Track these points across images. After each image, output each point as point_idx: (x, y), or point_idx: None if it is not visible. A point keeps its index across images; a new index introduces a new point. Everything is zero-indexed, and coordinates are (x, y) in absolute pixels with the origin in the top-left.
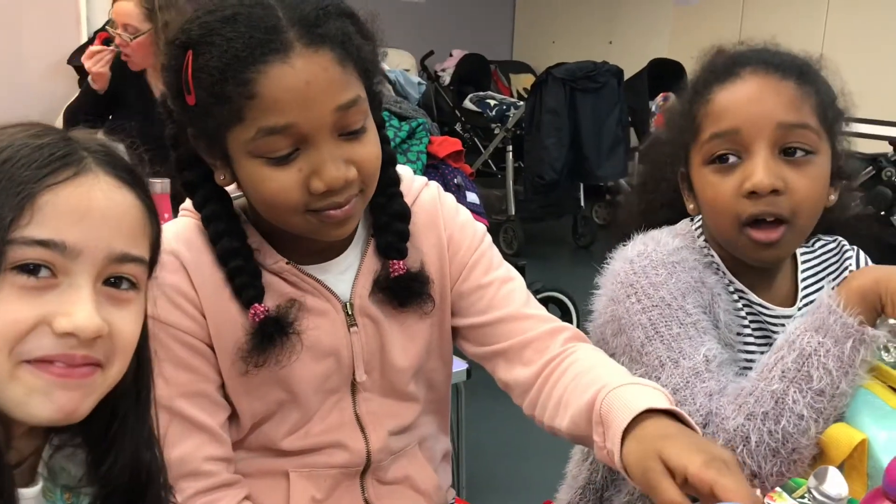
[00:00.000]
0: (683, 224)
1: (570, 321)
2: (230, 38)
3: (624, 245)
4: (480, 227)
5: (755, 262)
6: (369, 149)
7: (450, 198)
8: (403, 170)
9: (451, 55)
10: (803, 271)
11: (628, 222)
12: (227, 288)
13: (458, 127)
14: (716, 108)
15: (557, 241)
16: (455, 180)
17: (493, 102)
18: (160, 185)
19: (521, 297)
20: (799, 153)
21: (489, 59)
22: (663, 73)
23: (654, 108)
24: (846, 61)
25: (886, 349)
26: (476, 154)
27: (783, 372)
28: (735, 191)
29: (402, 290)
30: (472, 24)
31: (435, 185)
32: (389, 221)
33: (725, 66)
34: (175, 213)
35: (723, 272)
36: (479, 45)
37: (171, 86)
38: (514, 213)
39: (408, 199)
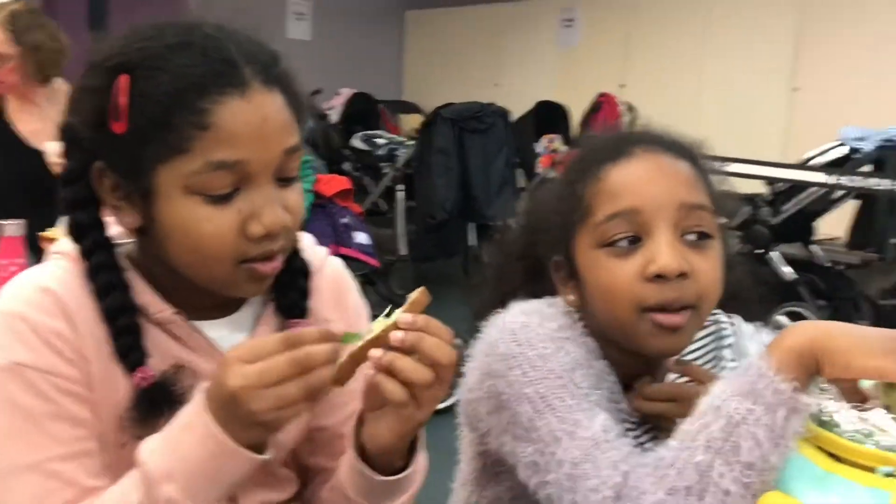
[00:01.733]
0: (561, 303)
1: (463, 364)
2: (183, 65)
3: (497, 314)
4: (364, 310)
5: (654, 351)
6: (298, 198)
7: (349, 277)
8: (316, 251)
9: (338, 94)
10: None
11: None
12: (107, 345)
13: (346, 166)
14: (610, 187)
15: (449, 280)
16: (343, 220)
17: (382, 141)
18: (13, 228)
19: None
20: (701, 236)
21: (377, 98)
22: (549, 115)
23: (540, 150)
24: (723, 105)
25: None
26: (365, 194)
27: (708, 442)
28: (636, 275)
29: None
30: (360, 63)
31: (339, 261)
32: (292, 278)
33: (614, 145)
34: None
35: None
36: (368, 84)
37: (89, 111)
38: (404, 252)
39: (312, 262)
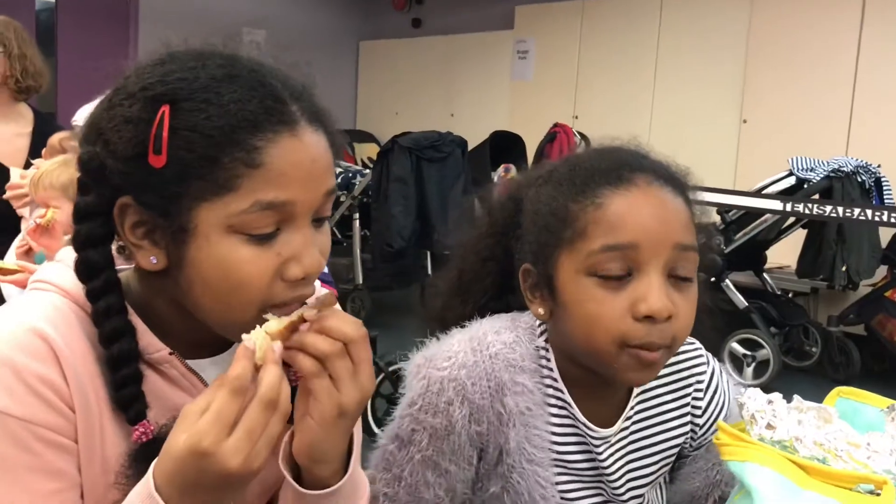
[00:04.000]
0: (528, 316)
1: None
2: (233, 99)
3: (438, 338)
4: None
5: (626, 382)
6: (328, 240)
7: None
8: None
9: None
10: (639, 390)
11: (447, 321)
12: (104, 390)
13: None
14: (610, 216)
15: (406, 310)
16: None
17: (338, 170)
18: None
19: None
20: (686, 278)
21: None
22: (504, 145)
23: (496, 179)
24: (674, 137)
25: (753, 420)
26: None
27: None
28: (624, 312)
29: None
30: (315, 92)
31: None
32: None
33: (612, 168)
34: None
35: (553, 379)
36: None
37: (122, 143)
38: (361, 281)
39: None
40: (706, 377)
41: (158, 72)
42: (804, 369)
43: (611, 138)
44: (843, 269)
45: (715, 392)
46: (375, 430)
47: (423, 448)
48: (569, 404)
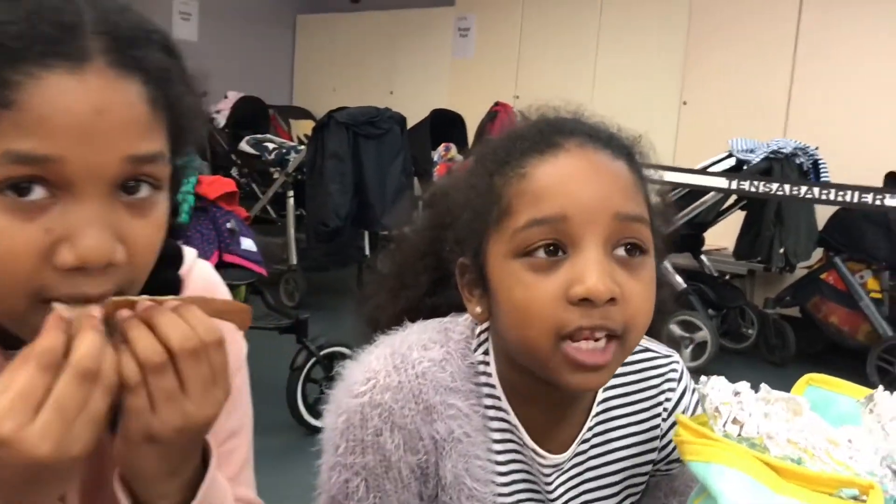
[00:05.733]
0: (463, 324)
1: None
2: (2, 20)
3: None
4: (242, 345)
5: (570, 387)
6: (150, 231)
7: (223, 286)
8: (188, 252)
9: (226, 97)
10: (598, 408)
11: (380, 323)
12: None
13: (234, 171)
14: (534, 186)
15: (341, 291)
16: (228, 224)
17: (271, 146)
18: None
19: (238, 461)
20: (634, 251)
21: (267, 103)
22: (444, 124)
23: (436, 158)
24: (614, 118)
25: (717, 413)
26: (254, 200)
27: None
28: (557, 296)
29: None
30: (249, 66)
31: (207, 265)
32: (158, 290)
33: (542, 134)
34: None
35: (496, 398)
36: (257, 88)
37: None
38: (295, 262)
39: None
40: (675, 396)
41: None
42: (741, 351)
43: (549, 107)
44: (781, 251)
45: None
46: (309, 419)
47: (363, 498)
48: (514, 427)
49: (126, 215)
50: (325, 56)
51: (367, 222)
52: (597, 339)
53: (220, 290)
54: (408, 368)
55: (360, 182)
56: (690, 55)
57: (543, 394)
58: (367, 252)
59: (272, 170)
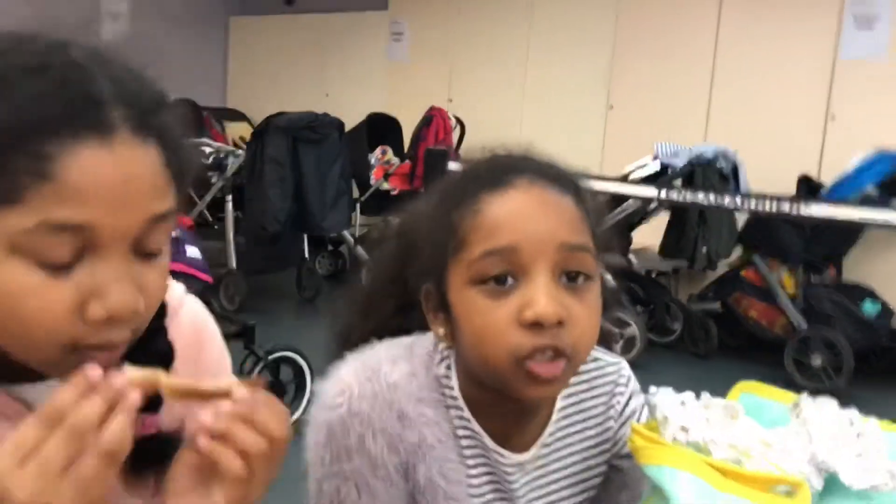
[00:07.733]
0: (426, 341)
1: (305, 381)
2: (31, 94)
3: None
4: (224, 354)
5: (528, 398)
6: (160, 278)
7: (212, 323)
8: (175, 288)
9: None
10: (558, 416)
11: (350, 341)
12: None
13: None
14: (487, 221)
15: (282, 294)
16: (172, 233)
17: (208, 150)
18: None
19: None
20: (580, 279)
21: (201, 104)
22: (381, 127)
23: (373, 161)
24: (544, 122)
25: (666, 420)
26: (191, 205)
27: None
28: (511, 320)
29: (145, 454)
30: (181, 68)
31: (198, 302)
32: (147, 364)
33: (493, 172)
34: None
35: (458, 408)
36: (190, 90)
37: None
38: (234, 265)
39: (172, 328)
40: (623, 399)
41: None
42: (667, 345)
43: (501, 146)
44: (704, 250)
45: (625, 422)
46: None
47: (356, 502)
48: (476, 433)
49: (141, 267)
50: (260, 58)
51: (306, 226)
52: (549, 358)
53: (209, 332)
54: (380, 379)
55: (299, 187)
56: (617, 62)
57: (502, 405)
58: (307, 255)
59: (210, 174)
